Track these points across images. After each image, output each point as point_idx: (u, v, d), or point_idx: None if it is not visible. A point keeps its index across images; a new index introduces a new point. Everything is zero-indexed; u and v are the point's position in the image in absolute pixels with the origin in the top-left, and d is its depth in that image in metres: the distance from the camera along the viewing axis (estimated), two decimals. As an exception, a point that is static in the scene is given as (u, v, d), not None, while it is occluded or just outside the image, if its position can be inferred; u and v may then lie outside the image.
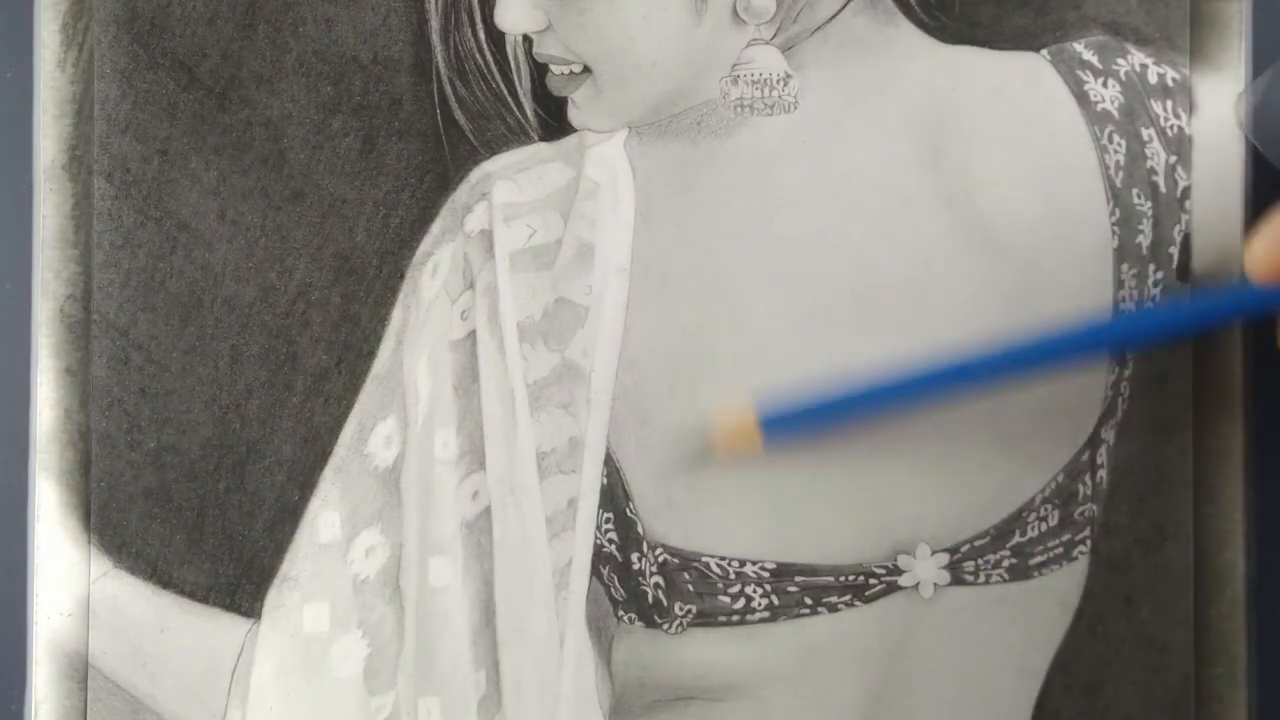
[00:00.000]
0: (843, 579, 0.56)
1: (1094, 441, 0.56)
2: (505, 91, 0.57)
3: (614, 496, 0.56)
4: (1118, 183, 0.56)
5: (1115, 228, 0.56)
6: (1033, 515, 0.56)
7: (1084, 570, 0.57)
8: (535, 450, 0.56)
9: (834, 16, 0.56)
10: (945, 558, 0.56)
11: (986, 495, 0.56)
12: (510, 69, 0.57)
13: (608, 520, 0.56)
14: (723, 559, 0.56)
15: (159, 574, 0.56)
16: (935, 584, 0.56)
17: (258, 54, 0.57)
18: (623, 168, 0.56)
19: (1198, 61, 0.57)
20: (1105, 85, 0.57)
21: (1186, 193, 0.57)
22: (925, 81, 0.56)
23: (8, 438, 0.57)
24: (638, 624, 0.56)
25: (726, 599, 0.56)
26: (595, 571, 0.56)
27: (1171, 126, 0.57)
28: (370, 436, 0.56)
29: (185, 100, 0.57)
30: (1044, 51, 0.57)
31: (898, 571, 0.56)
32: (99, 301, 0.56)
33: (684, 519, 0.56)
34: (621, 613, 0.56)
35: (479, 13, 0.56)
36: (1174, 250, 0.57)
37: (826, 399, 0.54)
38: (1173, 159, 0.57)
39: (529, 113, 0.57)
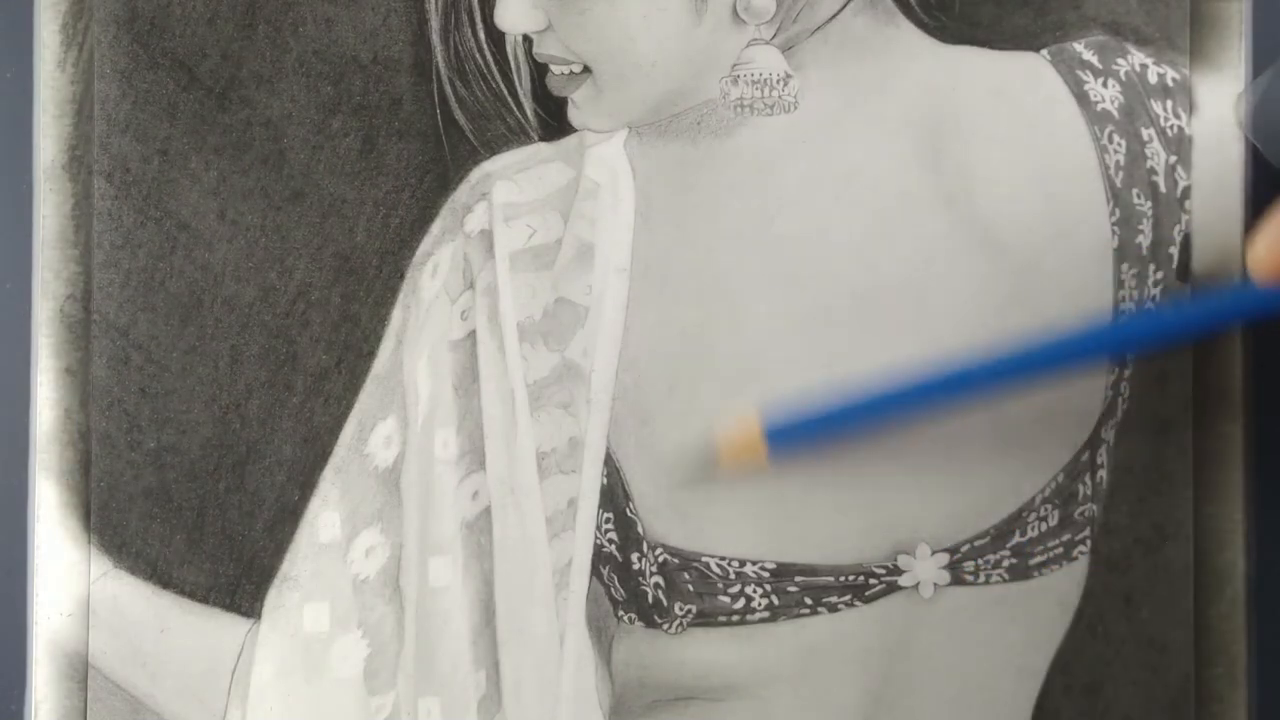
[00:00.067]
0: (843, 579, 0.56)
1: (1094, 441, 0.56)
2: (505, 91, 0.57)
3: (614, 496, 0.56)
4: (1118, 183, 0.56)
5: (1115, 228, 0.56)
6: (1033, 515, 0.56)
7: (1084, 570, 0.57)
8: (535, 450, 0.56)
9: (834, 16, 0.56)
10: (945, 558, 0.56)
11: (986, 495, 0.56)
12: (510, 69, 0.57)
13: (608, 520, 0.56)
14: (723, 559, 0.56)
15: (159, 574, 0.56)
16: (935, 584, 0.56)
17: (258, 54, 0.57)
18: (623, 168, 0.56)
19: (1198, 61, 0.57)
20: (1105, 85, 0.57)
21: (1186, 193, 0.57)
22: (925, 81, 0.56)
23: (8, 438, 0.57)
24: (638, 624, 0.56)
25: (726, 599, 0.56)
26: (595, 571, 0.56)
27: (1171, 126, 0.57)
28: (370, 436, 0.56)
29: (185, 100, 0.57)
30: (1044, 51, 0.57)
31: (898, 571, 0.56)
32: (99, 301, 0.56)
33: (684, 519, 0.56)
34: (621, 613, 0.56)
35: (479, 13, 0.56)
36: (1174, 250, 0.57)
37: (830, 412, 0.54)
38: (1173, 159, 0.57)
39: (529, 113, 0.57)
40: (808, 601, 0.56)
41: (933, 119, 0.56)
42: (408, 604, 0.56)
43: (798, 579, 0.56)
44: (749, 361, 0.56)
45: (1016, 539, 0.56)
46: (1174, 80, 0.57)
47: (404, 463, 0.56)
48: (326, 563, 0.56)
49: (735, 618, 0.56)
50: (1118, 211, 0.56)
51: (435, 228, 0.57)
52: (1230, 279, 0.57)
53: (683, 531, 0.56)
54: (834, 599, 0.56)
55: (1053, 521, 0.56)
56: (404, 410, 0.56)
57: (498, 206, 0.56)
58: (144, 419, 0.56)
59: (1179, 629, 0.57)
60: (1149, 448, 0.57)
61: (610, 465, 0.56)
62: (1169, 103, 0.57)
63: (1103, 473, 0.57)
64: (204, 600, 0.56)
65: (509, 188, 0.56)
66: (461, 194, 0.57)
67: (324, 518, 0.56)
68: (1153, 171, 0.57)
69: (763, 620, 0.56)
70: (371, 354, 0.56)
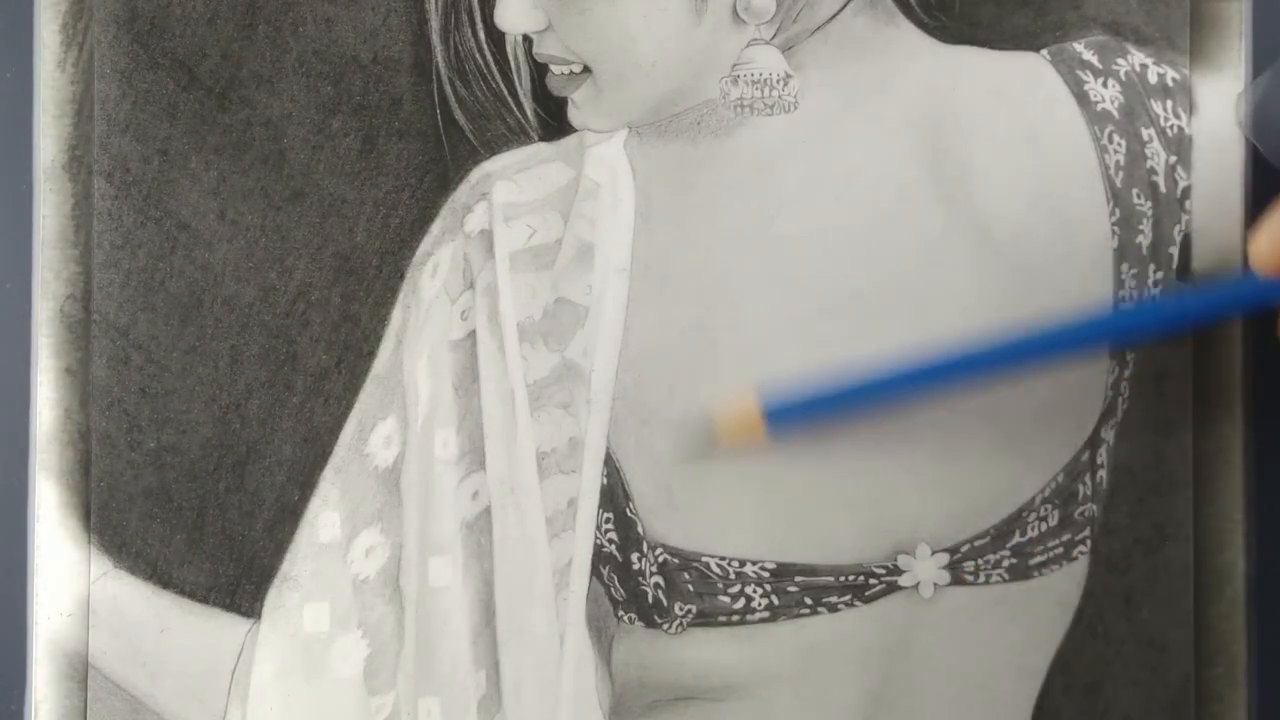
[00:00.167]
0: (843, 579, 0.56)
1: (1094, 441, 0.56)
2: (505, 91, 0.57)
3: (614, 496, 0.56)
4: (1118, 183, 0.56)
5: (1115, 228, 0.56)
6: (1033, 515, 0.56)
7: (1084, 570, 0.57)
8: (535, 450, 0.56)
9: (834, 16, 0.56)
10: (945, 558, 0.56)
11: (986, 495, 0.56)
12: (510, 69, 0.57)
13: (608, 520, 0.56)
14: (723, 559, 0.56)
15: (159, 574, 0.56)
16: (935, 584, 0.56)
17: (258, 54, 0.57)
18: (623, 168, 0.56)
19: (1198, 61, 0.57)
20: (1105, 85, 0.57)
21: (1186, 193, 0.57)
22: (925, 81, 0.56)
23: (8, 438, 0.57)
24: (638, 624, 0.56)
25: (726, 599, 0.56)
26: (595, 571, 0.56)
27: (1171, 126, 0.57)
28: (370, 436, 0.56)
29: (185, 100, 0.57)
30: (1044, 51, 0.57)
31: (898, 571, 0.56)
32: (99, 301, 0.56)
33: (684, 519, 0.56)
34: (621, 613, 0.56)
35: (479, 13, 0.56)
36: (1174, 250, 0.57)
37: (829, 389, 0.54)
38: (1173, 159, 0.57)
39: (529, 113, 0.57)
40: (808, 601, 0.56)
41: (933, 119, 0.56)
42: (408, 604, 0.56)
43: (798, 579, 0.56)
44: (749, 361, 0.56)
45: (1016, 539, 0.56)
46: (1174, 80, 0.57)
47: (404, 463, 0.56)
48: (326, 563, 0.56)
49: (735, 618, 0.56)
50: (1118, 211, 0.56)
51: (435, 228, 0.57)
52: (1230, 279, 0.57)
53: (683, 531, 0.56)
54: (834, 599, 0.56)
55: (1053, 521, 0.56)
56: (404, 410, 0.56)
57: (498, 206, 0.56)
58: (144, 419, 0.56)
59: (1179, 629, 0.57)
60: (1149, 448, 0.57)
61: (610, 465, 0.56)
62: (1169, 103, 0.57)
63: (1103, 473, 0.57)
64: (204, 600, 0.56)
65: (509, 188, 0.56)
66: (461, 194, 0.57)
67: (324, 518, 0.56)
68: (1153, 171, 0.57)
69: (763, 620, 0.56)
70: (371, 354, 0.56)
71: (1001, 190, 0.56)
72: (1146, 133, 0.57)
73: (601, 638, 0.57)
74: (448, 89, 0.57)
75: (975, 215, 0.56)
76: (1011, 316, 0.56)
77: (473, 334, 0.56)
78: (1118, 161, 0.57)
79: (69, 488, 0.56)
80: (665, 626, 0.56)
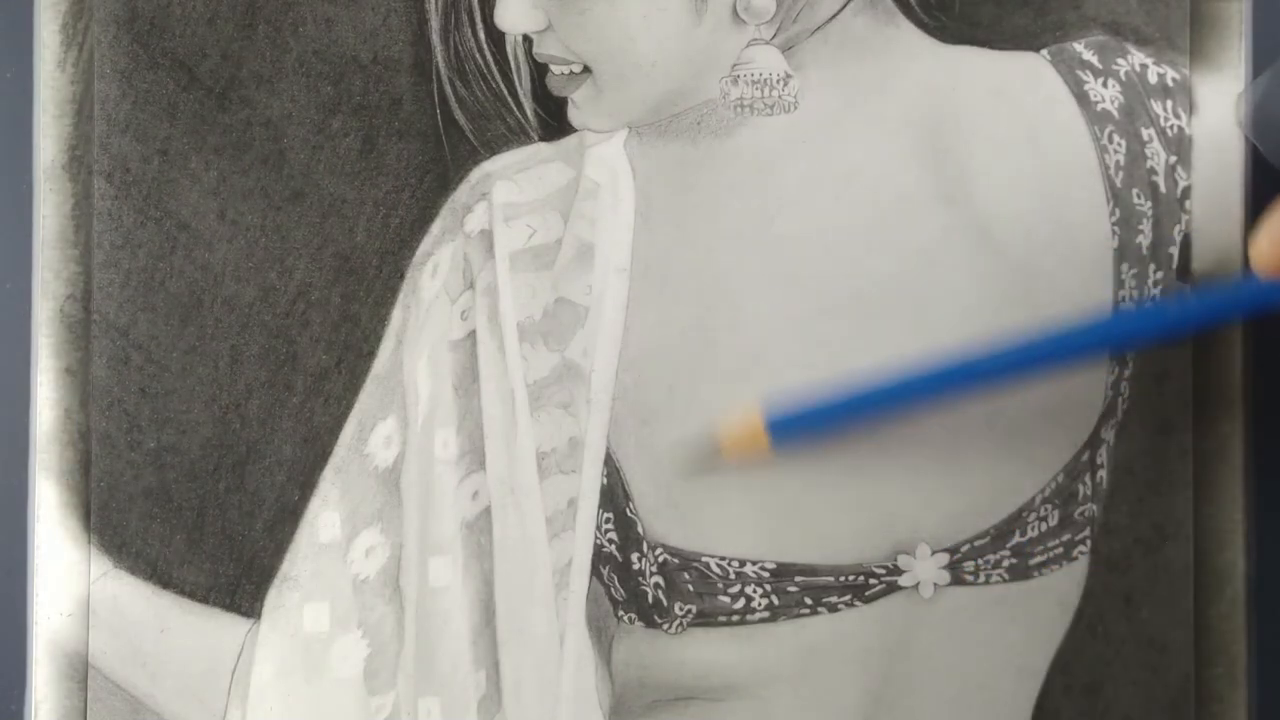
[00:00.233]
0: (843, 579, 0.56)
1: (1094, 441, 0.56)
2: (505, 91, 0.57)
3: (614, 496, 0.56)
4: (1118, 183, 0.56)
5: (1115, 228, 0.56)
6: (1033, 515, 0.56)
7: (1084, 570, 0.57)
8: (535, 450, 0.56)
9: (834, 16, 0.56)
10: (945, 558, 0.56)
11: (986, 495, 0.56)
12: (510, 69, 0.57)
13: (608, 520, 0.56)
14: (723, 559, 0.56)
15: (159, 574, 0.56)
16: (935, 584, 0.56)
17: (258, 54, 0.57)
18: (623, 168, 0.56)
19: (1198, 61, 0.57)
20: (1105, 85, 0.57)
21: (1186, 193, 0.57)
22: (925, 81, 0.56)
23: (8, 438, 0.57)
24: (638, 624, 0.56)
25: (726, 599, 0.56)
26: (595, 571, 0.56)
27: (1171, 126, 0.57)
28: (370, 436, 0.56)
29: (185, 100, 0.57)
30: (1044, 51, 0.57)
31: (898, 571, 0.56)
32: (99, 301, 0.56)
33: (684, 519, 0.56)
34: (621, 613, 0.56)
35: (479, 13, 0.56)
36: (1174, 250, 0.57)
37: (833, 402, 0.54)
38: (1173, 159, 0.57)
39: (529, 113, 0.57)
40: (808, 601, 0.56)
41: (933, 119, 0.56)
42: (408, 604, 0.56)
43: (798, 579, 0.56)
44: (749, 361, 0.56)
45: (1016, 539, 0.56)
46: (1174, 80, 0.57)
47: (404, 463, 0.56)
48: (326, 563, 0.56)
49: (735, 618, 0.56)
50: (1118, 211, 0.56)
51: (435, 228, 0.57)
52: (1230, 279, 0.57)
53: (683, 531, 0.56)
54: (834, 599, 0.56)
55: (1053, 521, 0.56)
56: (404, 410, 0.56)
57: (498, 206, 0.56)
58: (144, 419, 0.56)
59: (1179, 629, 0.57)
60: (1149, 448, 0.57)
61: (610, 465, 0.56)
62: (1169, 103, 0.57)
63: (1103, 473, 0.57)
64: (204, 600, 0.56)
65: (509, 188, 0.56)
66: (461, 194, 0.57)
67: (324, 518, 0.56)
68: (1153, 171, 0.57)
69: (763, 620, 0.56)
70: (371, 354, 0.56)
71: (1001, 190, 0.56)
72: (1146, 133, 0.57)
73: (601, 638, 0.57)
74: (448, 89, 0.57)
75: (975, 215, 0.56)
76: (1012, 317, 0.56)
77: (473, 334, 0.56)
78: (1118, 161, 0.57)
79: (69, 488, 0.56)
80: (665, 626, 0.56)
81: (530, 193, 0.57)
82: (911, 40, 0.57)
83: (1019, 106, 0.56)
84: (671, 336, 0.56)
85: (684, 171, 0.56)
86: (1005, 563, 0.56)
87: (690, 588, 0.56)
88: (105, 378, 0.56)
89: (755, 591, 0.56)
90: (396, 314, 0.56)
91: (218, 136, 0.57)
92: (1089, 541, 0.56)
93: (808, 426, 0.54)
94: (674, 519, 0.56)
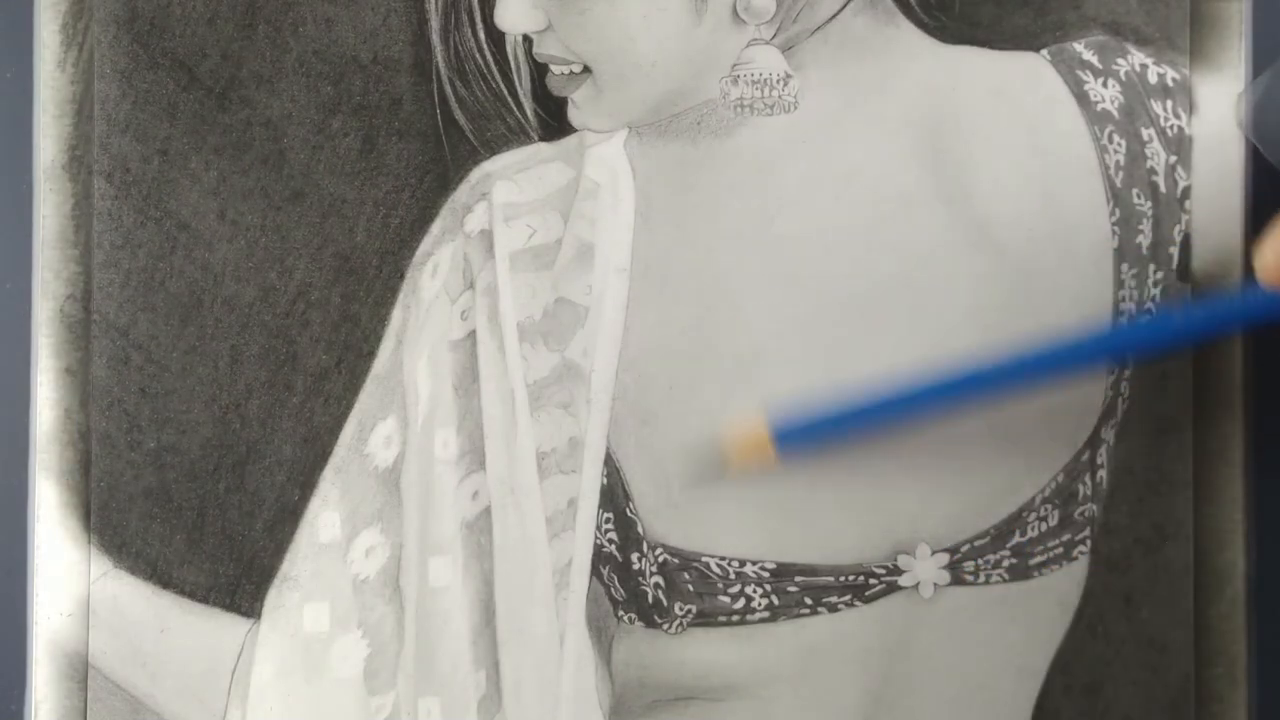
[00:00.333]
0: (843, 579, 0.56)
1: (1094, 441, 0.56)
2: (505, 91, 0.57)
3: (614, 496, 0.56)
4: (1118, 183, 0.56)
5: (1115, 228, 0.56)
6: (1033, 515, 0.56)
7: (1084, 570, 0.57)
8: (535, 450, 0.56)
9: (834, 16, 0.56)
10: (945, 558, 0.56)
11: (986, 495, 0.56)
12: (510, 69, 0.57)
13: (608, 520, 0.56)
14: (723, 559, 0.56)
15: (159, 574, 0.56)
16: (935, 584, 0.56)
17: (258, 54, 0.57)
18: (623, 168, 0.56)
19: (1198, 61, 0.57)
20: (1105, 85, 0.57)
21: (1186, 193, 0.57)
22: (925, 81, 0.56)
23: (8, 438, 0.57)
24: (638, 624, 0.56)
25: (726, 599, 0.56)
26: (595, 571, 0.56)
27: (1171, 126, 0.57)
28: (370, 436, 0.56)
29: (185, 100, 0.57)
30: (1044, 51, 0.57)
31: (898, 571, 0.56)
32: (99, 301, 0.56)
33: (684, 519, 0.56)
34: (621, 613, 0.56)
35: (479, 13, 0.56)
36: (1174, 250, 0.57)
37: (838, 411, 0.54)
38: (1173, 159, 0.57)
39: (529, 113, 0.57)
40: (808, 601, 0.56)
41: (933, 119, 0.56)
42: (408, 604, 0.56)
43: (798, 579, 0.56)
44: (749, 361, 0.56)
45: (1016, 539, 0.56)
46: (1174, 80, 0.57)
47: (404, 463, 0.56)
48: (326, 563, 0.56)
49: (735, 618, 0.56)
50: (1118, 211, 0.56)
51: (435, 228, 0.57)
52: (1230, 279, 0.57)
53: (683, 531, 0.56)
54: (834, 599, 0.56)
55: (1053, 521, 0.56)
56: (404, 410, 0.56)
57: (498, 206, 0.56)
58: (144, 419, 0.56)
59: (1179, 629, 0.57)
60: (1149, 448, 0.57)
61: (610, 465, 0.56)
62: (1169, 103, 0.57)
63: (1103, 473, 0.57)
64: (204, 600, 0.56)
65: (509, 188, 0.56)
66: (461, 194, 0.57)
67: (324, 518, 0.56)
68: (1153, 171, 0.57)
69: (763, 620, 0.56)
70: (371, 354, 0.56)
71: (1001, 190, 0.56)
72: (1146, 133, 0.57)
73: (601, 638, 0.57)
74: (448, 89, 0.57)
75: (975, 215, 0.56)
76: (1011, 316, 0.56)
77: (473, 334, 0.56)
78: (1118, 161, 0.57)
79: (69, 488, 0.56)
80: (665, 626, 0.56)
81: (530, 193, 0.57)
82: (911, 40, 0.57)
83: (1019, 106, 0.56)
84: (671, 336, 0.56)
85: (684, 171, 0.56)
86: (1005, 563, 0.56)
87: (690, 588, 0.56)
88: (105, 378, 0.56)
89: (755, 591, 0.56)
90: (396, 314, 0.56)
91: (218, 136, 0.57)
92: (1089, 541, 0.56)
93: (813, 436, 0.54)
94: (674, 519, 0.56)
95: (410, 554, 0.56)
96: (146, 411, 0.56)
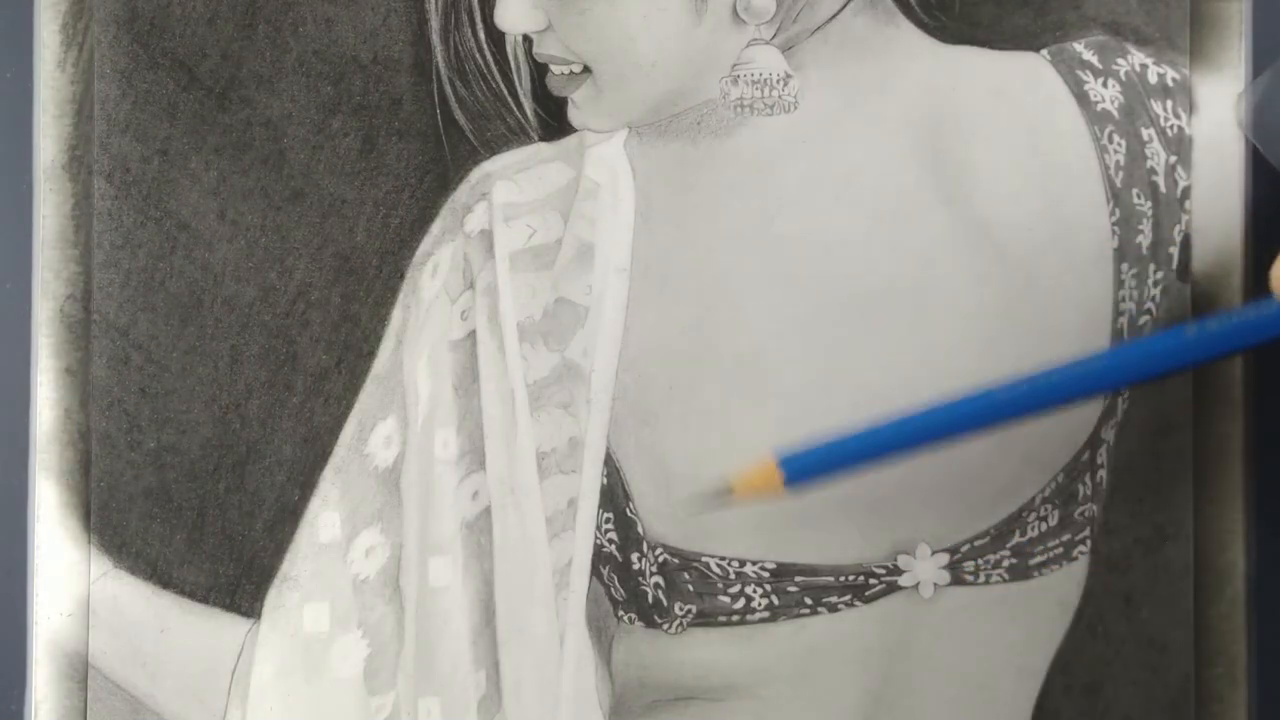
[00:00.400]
0: (843, 579, 0.56)
1: (1094, 441, 0.56)
2: (505, 91, 0.57)
3: (614, 496, 0.56)
4: (1118, 183, 0.56)
5: (1115, 228, 0.56)
6: (1033, 515, 0.56)
7: (1084, 570, 0.56)
8: (535, 450, 0.56)
9: (834, 16, 0.56)
10: (945, 558, 0.56)
11: (986, 495, 0.56)
12: (510, 69, 0.57)
13: (608, 520, 0.56)
14: (723, 559, 0.56)
15: (159, 574, 0.56)
16: (935, 584, 0.56)
17: (258, 54, 0.57)
18: (623, 168, 0.56)
19: (1198, 61, 0.57)
20: (1105, 85, 0.57)
21: (1186, 193, 0.57)
22: (925, 81, 0.56)
23: (8, 438, 0.57)
24: (638, 624, 0.56)
25: (726, 599, 0.56)
26: (595, 571, 0.56)
27: (1171, 126, 0.57)
28: (370, 436, 0.56)
29: (185, 100, 0.57)
30: (1044, 51, 0.57)
31: (898, 571, 0.56)
32: (99, 301, 0.56)
33: (684, 519, 0.56)
34: (621, 613, 0.56)
35: (479, 13, 0.56)
36: (1174, 250, 0.57)
37: (845, 442, 0.52)
38: (1173, 159, 0.57)
39: (529, 113, 0.57)
40: (808, 601, 0.56)
41: (933, 119, 0.56)
42: (408, 604, 0.56)
43: (798, 579, 0.56)
44: (749, 361, 0.56)
45: (1016, 539, 0.56)
46: (1174, 80, 0.57)
47: (404, 463, 0.56)
48: (326, 563, 0.56)
49: (735, 618, 0.56)
50: (1118, 211, 0.56)
51: (435, 228, 0.57)
52: (1230, 279, 0.57)
53: (683, 531, 0.56)
54: (834, 599, 0.56)
55: (1053, 521, 0.56)
56: (404, 410, 0.56)
57: (498, 206, 0.56)
58: (144, 419, 0.56)
59: (1179, 629, 0.57)
60: (1149, 448, 0.57)
61: (610, 465, 0.56)
62: (1169, 103, 0.57)
63: (1103, 473, 0.56)
64: (204, 600, 0.56)
65: (509, 188, 0.56)
66: (461, 194, 0.57)
67: (324, 518, 0.56)
68: (1153, 171, 0.57)
69: (763, 620, 0.56)
70: (371, 354, 0.56)
71: (1001, 190, 0.56)
72: (1146, 133, 0.57)
73: (601, 638, 0.57)
74: (448, 89, 0.57)
75: (975, 215, 0.56)
76: (1011, 317, 0.56)
77: (473, 334, 0.56)
78: (1118, 161, 0.57)
79: (69, 488, 0.56)
80: (665, 626, 0.56)
81: (530, 193, 0.57)
82: (911, 40, 0.57)
83: (1019, 106, 0.56)
84: (671, 336, 0.56)
85: (684, 171, 0.56)
86: (1005, 563, 0.56)
87: (690, 588, 0.56)
88: (105, 378, 0.56)
89: (755, 591, 0.56)
90: (396, 314, 0.56)
91: (218, 136, 0.57)
92: (1089, 541, 0.56)
93: (821, 466, 0.53)
94: (674, 519, 0.56)
95: (410, 554, 0.56)
96: (146, 411, 0.56)
